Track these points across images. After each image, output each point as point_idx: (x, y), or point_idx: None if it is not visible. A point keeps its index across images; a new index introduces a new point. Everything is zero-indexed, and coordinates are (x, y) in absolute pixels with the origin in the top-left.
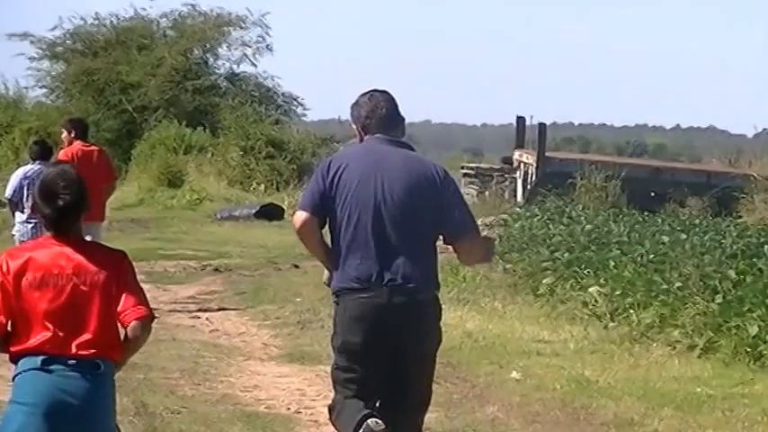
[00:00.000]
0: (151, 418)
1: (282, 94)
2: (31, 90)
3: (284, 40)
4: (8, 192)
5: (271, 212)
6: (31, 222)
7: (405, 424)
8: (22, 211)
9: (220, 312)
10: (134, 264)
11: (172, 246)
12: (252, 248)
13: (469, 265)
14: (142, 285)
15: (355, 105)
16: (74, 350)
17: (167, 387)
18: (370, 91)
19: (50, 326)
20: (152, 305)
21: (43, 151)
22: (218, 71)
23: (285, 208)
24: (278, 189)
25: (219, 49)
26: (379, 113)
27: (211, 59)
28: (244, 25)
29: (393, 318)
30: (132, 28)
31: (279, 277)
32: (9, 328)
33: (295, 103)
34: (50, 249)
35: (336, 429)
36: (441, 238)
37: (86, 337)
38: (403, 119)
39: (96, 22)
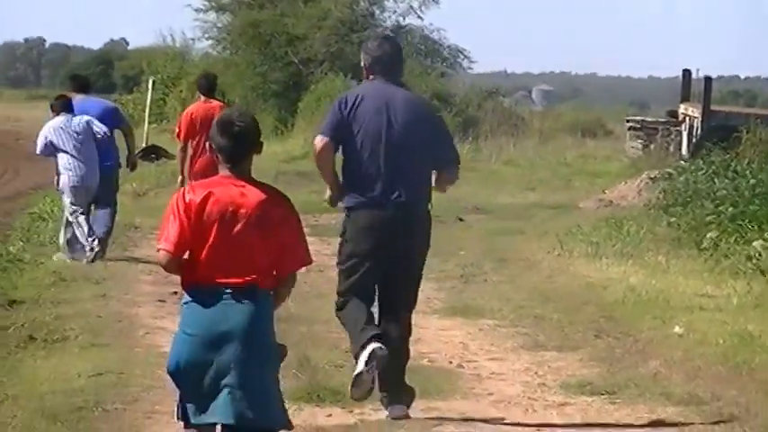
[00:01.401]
0: (314, 372)
1: (448, 46)
2: (198, 42)
3: None
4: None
5: None
6: (70, 167)
7: (399, 320)
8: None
9: None
10: (301, 216)
11: None
12: None
13: (440, 189)
14: (306, 238)
15: (366, 48)
16: (237, 279)
17: (330, 341)
18: (380, 37)
19: (219, 258)
20: (315, 258)
21: (65, 105)
22: (383, 24)
23: None
24: None
25: (385, 2)
26: (385, 59)
27: (377, 12)
28: None
29: (396, 228)
30: None
31: (443, 231)
32: (186, 257)
33: (461, 56)
34: (227, 187)
35: (341, 323)
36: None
37: (249, 267)
38: (402, 63)
39: None
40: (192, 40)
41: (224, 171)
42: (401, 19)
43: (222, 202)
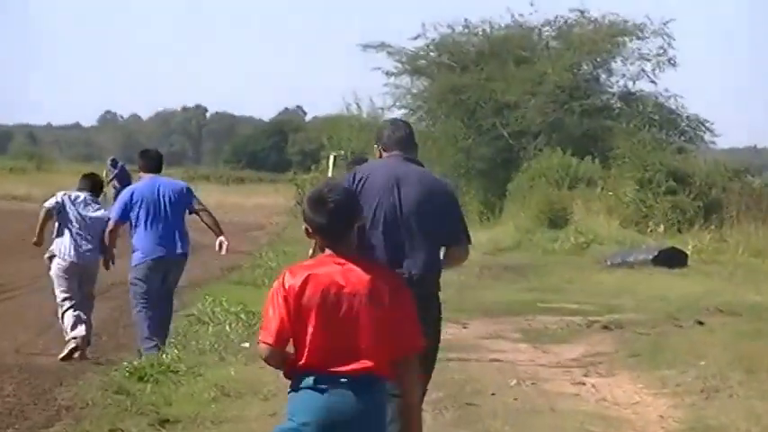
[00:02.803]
0: None
1: (687, 117)
2: (388, 111)
3: (690, 52)
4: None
5: (672, 258)
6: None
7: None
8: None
9: (609, 378)
10: (509, 318)
11: (553, 297)
12: (648, 301)
13: (449, 266)
14: (517, 344)
15: (380, 129)
16: (347, 368)
17: None
18: (393, 119)
19: (325, 344)
20: (527, 368)
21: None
22: (610, 89)
23: (689, 253)
24: (680, 230)
25: (613, 63)
26: (398, 135)
27: (603, 75)
28: (642, 35)
29: None
30: (509, 38)
31: (680, 336)
32: (290, 347)
33: (702, 128)
34: (329, 267)
35: None
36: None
37: (359, 355)
38: (417, 145)
39: (466, 30)
40: (382, 109)
41: (326, 251)
42: (631, 84)
43: (323, 284)
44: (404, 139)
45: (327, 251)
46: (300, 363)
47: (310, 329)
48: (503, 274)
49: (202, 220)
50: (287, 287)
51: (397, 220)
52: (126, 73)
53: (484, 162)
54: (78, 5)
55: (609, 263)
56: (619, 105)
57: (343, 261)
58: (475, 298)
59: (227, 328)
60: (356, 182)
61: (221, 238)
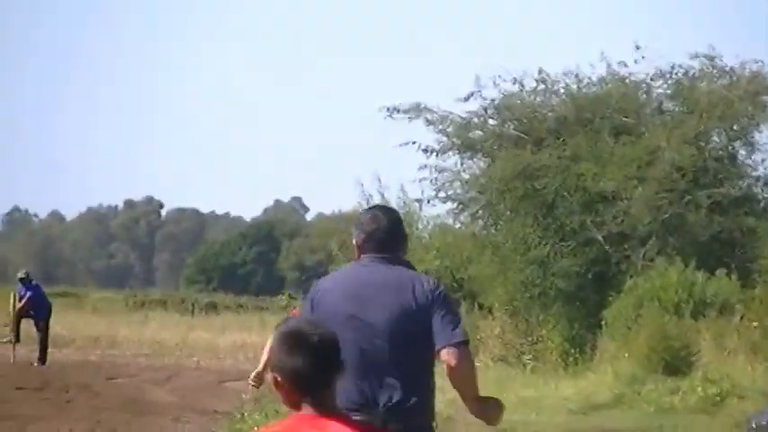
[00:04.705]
0: None
1: None
2: (429, 204)
3: None
4: None
5: None
6: None
7: None
8: None
9: None
10: None
11: None
12: None
13: (465, 397)
14: None
15: (357, 224)
16: None
17: None
18: (373, 208)
19: None
20: None
21: None
22: (753, 172)
23: None
24: None
25: (756, 134)
26: (378, 236)
27: (742, 152)
28: None
29: None
30: (604, 98)
31: None
32: None
33: None
34: None
35: None
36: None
37: None
38: (405, 238)
39: (541, 87)
40: (419, 201)
41: (305, 408)
42: None
43: None
44: (382, 240)
45: (304, 409)
46: None
47: None
48: None
49: None
50: None
51: (370, 341)
52: (43, 155)
53: (568, 279)
54: None
55: (754, 425)
56: (766, 195)
57: (321, 423)
58: None
59: None
60: (317, 300)
61: None
